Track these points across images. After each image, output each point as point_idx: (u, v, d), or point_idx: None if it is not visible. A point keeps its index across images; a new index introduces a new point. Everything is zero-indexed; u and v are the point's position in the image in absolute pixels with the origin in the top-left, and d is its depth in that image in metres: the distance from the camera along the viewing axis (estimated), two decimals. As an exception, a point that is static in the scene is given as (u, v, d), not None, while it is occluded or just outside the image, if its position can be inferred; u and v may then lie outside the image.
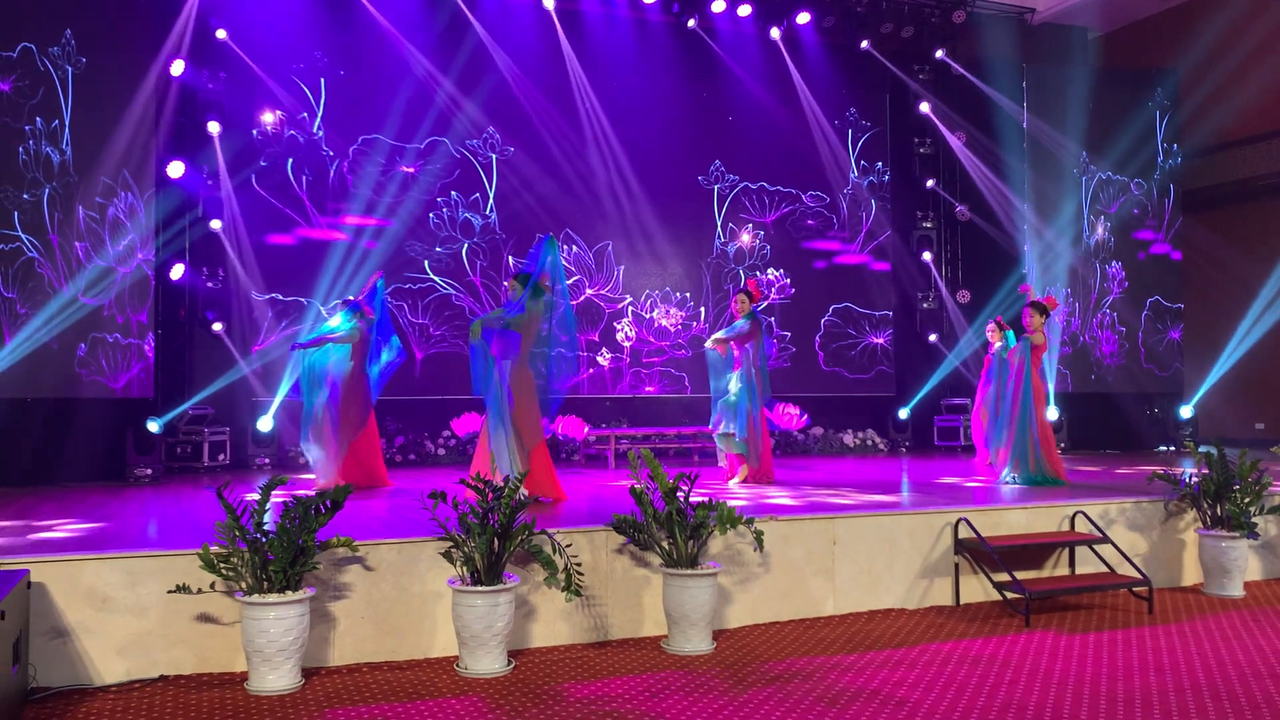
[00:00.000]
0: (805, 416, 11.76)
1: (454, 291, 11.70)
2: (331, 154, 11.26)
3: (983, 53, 13.32)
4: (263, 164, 10.95)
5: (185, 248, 10.47)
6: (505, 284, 9.62)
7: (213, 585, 4.82)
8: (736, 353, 8.48)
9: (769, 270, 13.16)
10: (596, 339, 12.32)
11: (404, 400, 11.18)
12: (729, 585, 5.83)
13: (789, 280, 13.23)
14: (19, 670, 4.34)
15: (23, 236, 8.74)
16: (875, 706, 4.32)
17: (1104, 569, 6.62)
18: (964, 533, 6.42)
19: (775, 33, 12.88)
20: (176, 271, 10.23)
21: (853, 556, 6.21)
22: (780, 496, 7.42)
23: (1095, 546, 6.67)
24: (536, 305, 6.93)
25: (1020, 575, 6.17)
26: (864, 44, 13.15)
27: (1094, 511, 6.81)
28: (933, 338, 13.52)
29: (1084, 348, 12.95)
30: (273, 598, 4.60)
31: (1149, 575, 6.43)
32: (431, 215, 11.66)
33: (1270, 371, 12.99)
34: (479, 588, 4.83)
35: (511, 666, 4.97)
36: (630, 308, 12.52)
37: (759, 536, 5.53)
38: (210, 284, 10.62)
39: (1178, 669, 4.92)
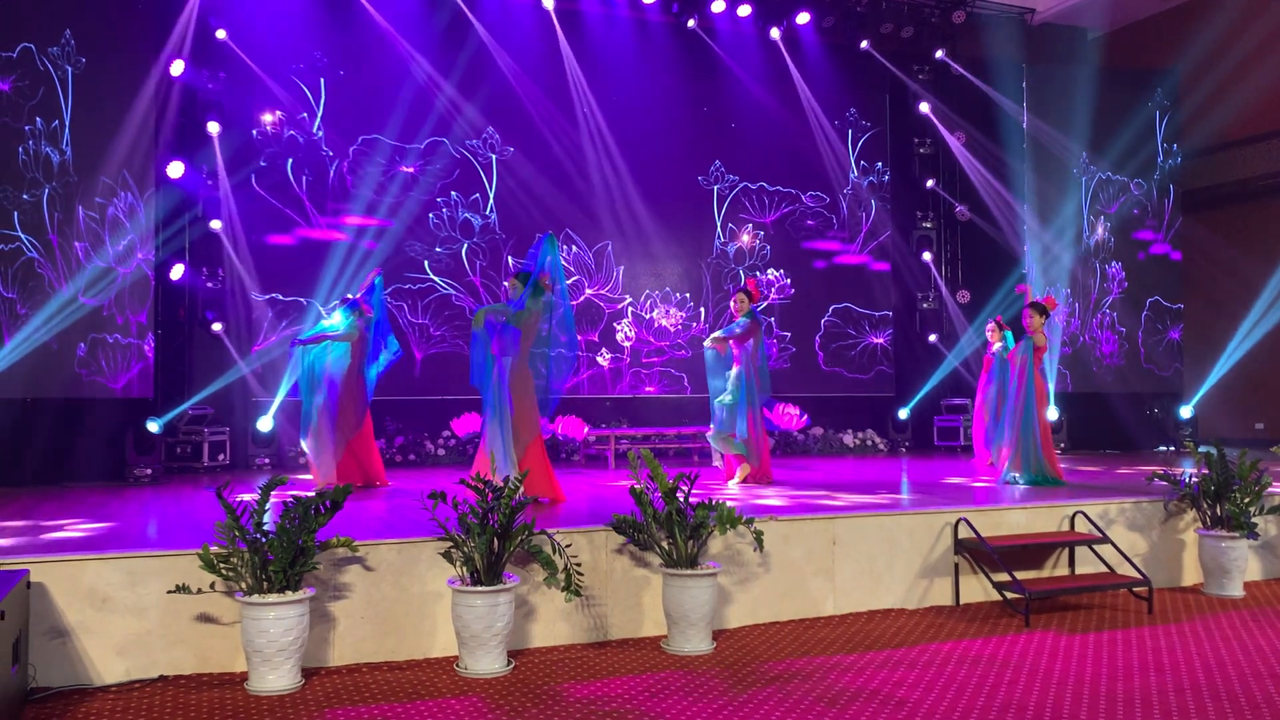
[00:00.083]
0: (805, 417, 11.77)
1: (454, 292, 11.70)
2: (331, 154, 11.26)
3: (983, 53, 13.30)
4: (262, 164, 10.96)
5: (185, 248, 10.47)
6: (505, 283, 9.61)
7: (212, 585, 4.82)
8: (736, 352, 8.47)
9: (769, 270, 13.16)
10: (596, 339, 12.32)
11: (404, 400, 11.20)
12: (729, 585, 5.83)
13: (789, 280, 13.23)
14: (19, 670, 4.34)
15: (22, 236, 8.74)
16: (875, 706, 4.32)
17: (1104, 569, 6.62)
18: (964, 533, 6.42)
19: (775, 33, 12.87)
20: (176, 272, 10.23)
21: (852, 556, 6.21)
22: (780, 497, 7.42)
23: (1095, 546, 6.67)
24: (536, 303, 6.94)
25: (1020, 575, 6.17)
26: (864, 44, 13.14)
27: (1094, 511, 6.81)
28: (932, 338, 13.52)
29: (1084, 348, 12.96)
30: (272, 598, 4.60)
31: (1149, 575, 6.43)
32: (431, 215, 11.66)
33: (1270, 372, 12.99)
34: (479, 588, 4.83)
35: (511, 666, 4.97)
36: (630, 308, 12.52)
37: (759, 536, 5.53)
38: (210, 284, 10.62)
39: (1177, 669, 4.92)
